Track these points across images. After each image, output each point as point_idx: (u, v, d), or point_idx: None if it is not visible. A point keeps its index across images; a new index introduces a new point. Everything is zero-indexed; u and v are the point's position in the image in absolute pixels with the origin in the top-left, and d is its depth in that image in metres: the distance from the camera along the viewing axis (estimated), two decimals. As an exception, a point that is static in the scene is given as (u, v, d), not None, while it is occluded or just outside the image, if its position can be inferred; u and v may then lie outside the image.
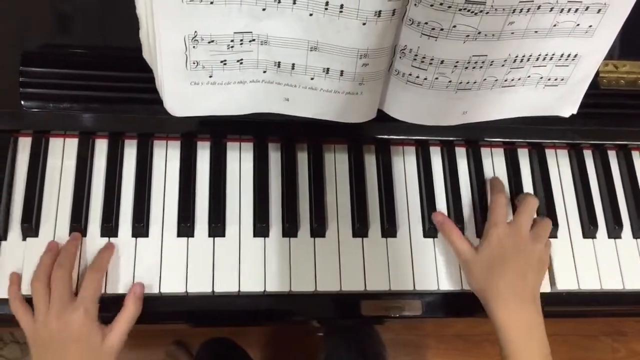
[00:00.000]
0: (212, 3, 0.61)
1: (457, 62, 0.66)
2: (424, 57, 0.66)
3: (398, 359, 1.66)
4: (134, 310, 0.73)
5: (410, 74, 0.69)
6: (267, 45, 0.66)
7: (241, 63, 0.68)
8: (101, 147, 0.81)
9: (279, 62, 0.68)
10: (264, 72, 0.70)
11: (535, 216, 0.81)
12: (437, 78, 0.68)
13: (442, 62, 0.66)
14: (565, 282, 0.83)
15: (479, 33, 0.63)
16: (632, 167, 0.89)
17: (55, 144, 0.80)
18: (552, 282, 0.83)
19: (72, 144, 0.80)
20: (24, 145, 0.79)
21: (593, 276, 0.83)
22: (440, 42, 0.64)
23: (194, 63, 0.67)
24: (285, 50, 0.67)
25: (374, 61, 0.67)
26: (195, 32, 0.64)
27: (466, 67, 0.67)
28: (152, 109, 0.73)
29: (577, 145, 0.89)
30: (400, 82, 0.70)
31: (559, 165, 0.89)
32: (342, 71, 0.68)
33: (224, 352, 1.21)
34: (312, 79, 0.70)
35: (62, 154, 0.80)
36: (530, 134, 0.86)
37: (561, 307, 0.84)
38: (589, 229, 0.85)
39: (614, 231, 0.86)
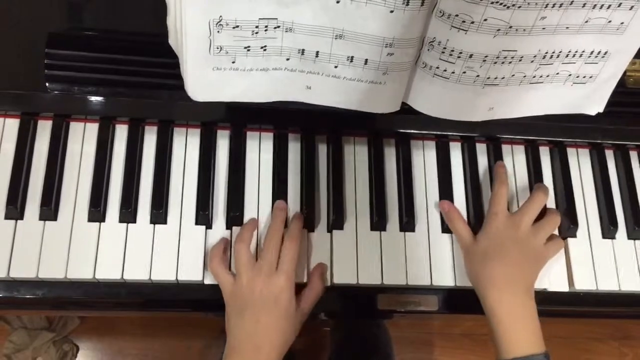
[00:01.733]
0: None
1: (486, 56, 0.66)
2: (452, 50, 0.65)
3: (404, 356, 1.66)
4: (320, 285, 0.77)
5: (437, 67, 0.68)
6: (292, 32, 0.66)
7: (265, 50, 0.68)
8: (121, 133, 0.80)
9: (303, 50, 0.68)
10: (287, 59, 0.69)
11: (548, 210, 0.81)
12: (464, 72, 0.68)
13: (470, 56, 0.66)
14: (584, 282, 0.82)
15: (510, 27, 0.63)
16: (653, 168, 0.89)
17: (76, 129, 0.80)
18: (570, 281, 0.82)
19: (93, 128, 0.80)
20: (44, 128, 0.79)
21: (611, 277, 0.83)
22: (470, 36, 0.63)
23: (217, 48, 0.66)
24: (310, 37, 0.66)
25: (400, 51, 0.66)
26: (221, 16, 0.63)
27: (495, 62, 0.66)
28: (176, 95, 0.72)
29: (598, 144, 0.88)
30: (427, 75, 0.69)
31: (580, 164, 0.88)
32: (366, 60, 0.68)
33: None
34: (335, 67, 0.69)
35: (83, 138, 0.80)
36: (553, 132, 0.85)
37: (578, 307, 0.84)
38: (608, 230, 0.85)
39: (634, 232, 0.85)
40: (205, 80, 0.70)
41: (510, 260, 0.74)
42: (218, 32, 0.64)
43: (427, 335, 1.66)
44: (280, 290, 0.73)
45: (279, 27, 0.65)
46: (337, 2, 0.62)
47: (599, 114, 0.79)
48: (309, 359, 1.57)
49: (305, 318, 0.76)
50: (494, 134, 0.86)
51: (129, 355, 1.57)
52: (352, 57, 0.68)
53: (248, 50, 0.67)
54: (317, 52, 0.68)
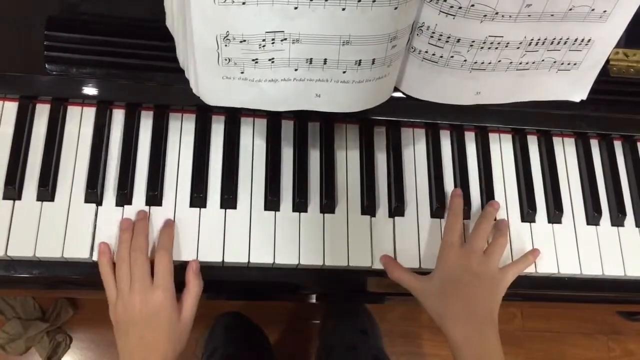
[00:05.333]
0: (244, 4, 0.61)
1: (474, 41, 0.68)
2: (440, 35, 0.68)
3: (394, 349, 1.67)
4: (197, 285, 0.76)
5: (426, 51, 0.70)
6: (299, 43, 0.66)
7: (272, 62, 0.68)
8: (118, 117, 0.82)
9: (311, 59, 0.68)
10: (296, 70, 0.70)
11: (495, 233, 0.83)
12: (452, 56, 0.70)
13: (458, 40, 0.68)
14: (568, 267, 0.84)
15: (497, 14, 0.65)
16: (637, 157, 0.91)
17: (73, 112, 0.82)
18: (556, 266, 0.84)
19: (90, 112, 0.82)
20: (42, 112, 0.81)
21: (595, 262, 0.85)
22: (458, 21, 0.66)
23: (226, 60, 0.67)
24: (317, 46, 0.67)
25: (401, 40, 0.68)
26: (227, 32, 0.64)
27: (482, 47, 0.69)
28: (171, 77, 0.74)
29: (584, 134, 0.91)
30: (416, 60, 0.72)
31: (566, 153, 0.91)
32: (373, 59, 0.68)
33: (238, 325, 1.23)
34: (344, 72, 0.70)
35: (80, 122, 0.81)
36: (539, 120, 0.87)
37: (563, 291, 0.86)
38: (592, 216, 0.87)
39: (618, 219, 0.87)
40: (216, 87, 0.71)
41: (468, 293, 0.75)
42: (225, 45, 0.65)
43: (416, 328, 1.68)
44: (158, 305, 0.73)
45: (285, 39, 0.66)
46: (343, 9, 0.62)
47: (584, 101, 0.81)
48: (297, 353, 1.59)
49: (191, 323, 0.76)
50: (483, 122, 0.88)
51: (122, 346, 1.58)
52: (360, 60, 0.68)
53: (256, 62, 0.68)
54: (325, 60, 0.68)
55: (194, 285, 0.76)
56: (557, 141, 0.91)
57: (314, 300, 0.89)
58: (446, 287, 0.76)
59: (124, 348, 0.73)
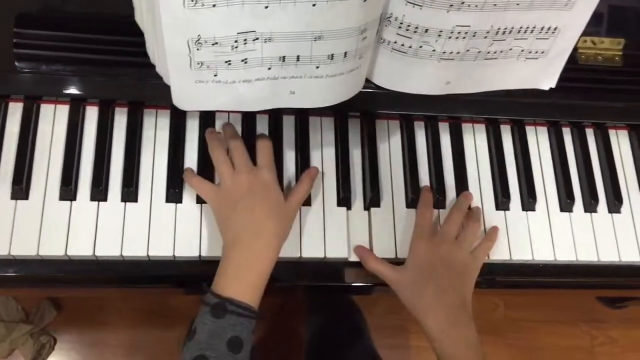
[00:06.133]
0: (214, 6, 0.61)
1: (441, 31, 0.68)
2: (408, 26, 0.68)
3: (381, 342, 1.67)
4: (308, 185, 0.80)
5: (395, 42, 0.71)
6: (271, 42, 0.66)
7: (246, 62, 0.68)
8: (92, 114, 0.82)
9: (284, 57, 0.69)
10: (269, 68, 0.70)
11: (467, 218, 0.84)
12: (421, 46, 0.70)
13: (426, 30, 0.68)
14: (543, 254, 0.86)
15: (462, 3, 0.66)
16: (609, 144, 0.93)
17: (47, 110, 0.81)
18: (530, 253, 0.85)
19: (64, 110, 0.82)
20: (15, 110, 0.80)
21: (569, 248, 0.87)
22: (425, 11, 0.66)
23: (198, 64, 0.67)
24: (289, 44, 0.67)
25: (371, 32, 0.68)
26: (199, 35, 0.64)
27: (449, 37, 0.69)
28: (144, 73, 0.74)
29: (556, 122, 0.92)
30: (386, 50, 0.72)
31: (539, 142, 0.92)
32: (345, 53, 0.69)
33: None
34: (317, 67, 0.70)
35: (53, 120, 0.81)
36: (512, 110, 0.88)
37: (538, 277, 0.87)
38: (566, 203, 0.88)
39: (590, 205, 0.89)
40: (190, 92, 0.71)
41: (441, 282, 0.76)
42: (197, 49, 0.65)
43: (403, 321, 1.69)
44: (267, 181, 0.75)
45: (257, 38, 0.66)
46: (314, 5, 0.62)
47: (554, 89, 0.82)
48: (284, 347, 1.59)
49: (294, 216, 0.78)
50: (456, 113, 0.89)
51: (108, 346, 1.58)
52: (332, 54, 0.69)
53: (229, 64, 0.68)
54: (298, 57, 0.69)
55: (305, 184, 0.79)
56: (530, 130, 0.92)
57: (294, 294, 0.89)
58: (417, 277, 0.77)
59: (230, 225, 0.74)
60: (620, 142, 0.94)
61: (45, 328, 1.54)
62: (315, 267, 0.82)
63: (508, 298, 1.74)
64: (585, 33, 0.76)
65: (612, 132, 0.94)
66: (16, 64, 0.73)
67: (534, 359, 1.72)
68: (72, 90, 0.78)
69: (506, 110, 0.88)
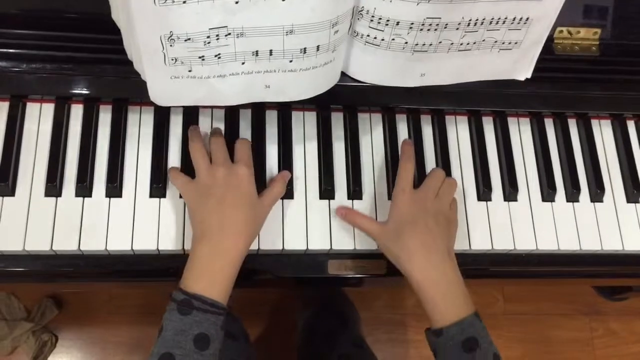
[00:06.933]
0: (184, 2, 0.62)
1: (412, 23, 0.69)
2: (380, 18, 0.69)
3: (379, 337, 1.69)
4: (281, 188, 0.81)
5: (368, 35, 0.72)
6: (243, 37, 0.67)
7: (219, 57, 0.69)
8: (77, 112, 0.84)
9: (257, 51, 0.70)
10: (243, 63, 0.71)
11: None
12: (393, 39, 0.71)
13: (397, 23, 0.69)
14: (524, 243, 0.86)
15: (432, -5, 0.66)
16: (591, 134, 0.93)
17: (32, 109, 0.83)
18: (512, 242, 0.86)
19: (49, 108, 0.83)
20: (1, 109, 0.82)
21: (551, 237, 0.87)
22: (395, 4, 0.67)
23: (172, 60, 0.68)
24: (261, 38, 0.68)
25: (343, 26, 0.69)
26: (171, 32, 0.65)
27: (421, 29, 0.70)
28: (122, 70, 0.75)
29: (538, 113, 0.92)
30: (359, 44, 0.73)
31: (521, 133, 0.93)
32: (318, 46, 0.70)
33: None
34: (290, 61, 0.71)
35: (39, 118, 0.83)
36: (493, 101, 0.89)
37: (521, 267, 0.88)
38: (548, 193, 0.89)
39: (572, 195, 0.89)
40: (166, 88, 0.73)
41: (423, 229, 0.77)
42: (171, 45, 0.66)
43: (400, 316, 1.69)
44: (242, 176, 0.75)
45: (229, 34, 0.67)
46: (284, 0, 0.63)
47: (531, 80, 0.83)
48: (276, 340, 1.60)
49: (266, 214, 0.79)
50: (438, 105, 0.90)
51: (109, 342, 1.60)
52: (305, 48, 0.69)
53: (203, 59, 0.69)
54: (271, 51, 0.70)
55: (278, 186, 0.80)
56: (512, 121, 0.93)
57: (282, 287, 0.90)
58: (401, 230, 0.77)
59: (200, 214, 0.74)
60: (603, 131, 0.94)
61: (46, 326, 1.56)
62: (297, 259, 0.84)
63: (507, 292, 1.74)
64: (560, 23, 0.76)
65: (595, 122, 0.94)
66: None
67: (533, 352, 1.72)
68: (57, 89, 0.80)
69: (488, 101, 0.89)
